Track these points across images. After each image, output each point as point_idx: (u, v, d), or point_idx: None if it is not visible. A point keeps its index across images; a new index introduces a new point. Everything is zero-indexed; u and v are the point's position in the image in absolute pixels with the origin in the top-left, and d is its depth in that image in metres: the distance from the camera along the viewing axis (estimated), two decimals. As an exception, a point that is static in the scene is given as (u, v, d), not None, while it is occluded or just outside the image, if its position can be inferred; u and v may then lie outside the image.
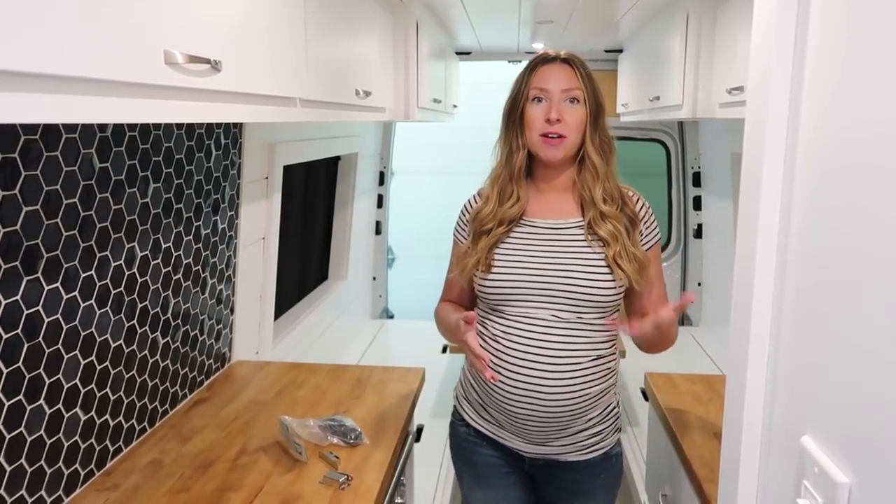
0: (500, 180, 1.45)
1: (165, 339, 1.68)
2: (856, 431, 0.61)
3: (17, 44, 0.65)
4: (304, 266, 3.07)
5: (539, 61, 1.42)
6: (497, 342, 1.40)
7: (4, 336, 1.14)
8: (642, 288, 1.42)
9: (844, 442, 0.63)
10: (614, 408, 1.49)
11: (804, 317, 0.72)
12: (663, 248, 2.70)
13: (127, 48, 0.82)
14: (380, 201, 4.14)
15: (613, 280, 1.36)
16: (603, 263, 1.37)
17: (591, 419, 1.43)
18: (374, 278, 4.16)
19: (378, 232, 4.17)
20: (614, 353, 1.45)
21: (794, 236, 0.74)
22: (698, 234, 3.83)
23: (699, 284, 3.85)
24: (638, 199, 1.46)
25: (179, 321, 1.75)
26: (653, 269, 1.44)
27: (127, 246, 1.49)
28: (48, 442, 1.27)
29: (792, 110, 0.76)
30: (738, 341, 0.84)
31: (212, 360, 1.95)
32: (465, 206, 1.54)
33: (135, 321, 1.54)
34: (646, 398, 2.05)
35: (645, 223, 1.44)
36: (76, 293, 1.33)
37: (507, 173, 1.44)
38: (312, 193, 3.06)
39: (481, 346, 1.43)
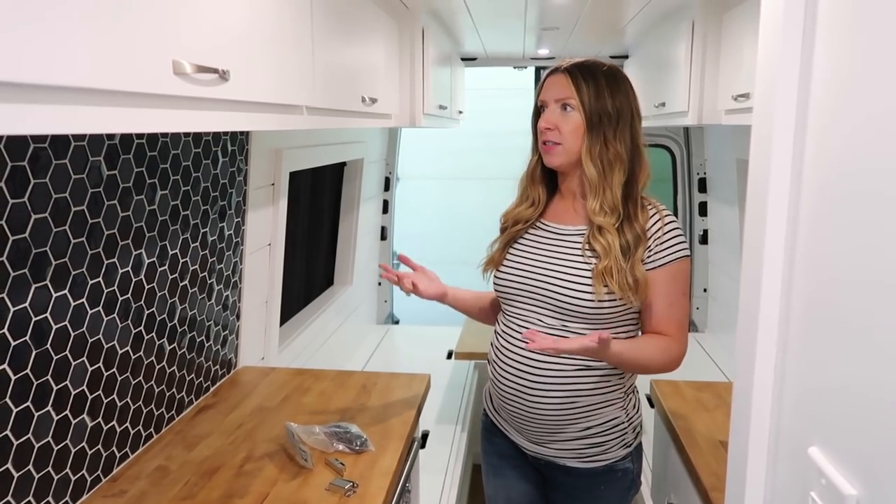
0: (523, 184, 1.54)
1: (172, 346, 1.69)
2: (864, 443, 0.61)
3: (28, 56, 0.66)
4: (309, 271, 3.07)
5: (548, 73, 1.47)
6: (498, 339, 1.49)
7: (13, 343, 1.15)
8: (637, 307, 1.40)
9: (852, 454, 0.63)
10: (621, 423, 1.46)
11: (812, 326, 0.72)
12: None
13: (136, 59, 0.82)
14: (385, 207, 4.14)
15: (593, 293, 1.35)
16: (588, 274, 1.36)
17: (588, 428, 1.43)
18: (380, 283, 4.16)
19: (383, 237, 4.17)
20: (612, 368, 1.41)
21: (802, 244, 0.74)
22: (704, 240, 3.83)
23: (705, 290, 3.84)
24: (654, 214, 1.40)
25: (186, 327, 1.75)
26: (660, 290, 1.38)
27: (134, 253, 1.50)
28: (55, 448, 1.27)
29: (799, 116, 0.75)
30: (744, 350, 0.84)
31: (218, 366, 1.96)
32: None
33: (142, 327, 1.55)
34: (651, 405, 2.05)
35: (657, 240, 1.38)
36: (84, 300, 1.33)
37: (527, 177, 1.53)
38: (318, 199, 3.07)
39: (491, 341, 1.53)
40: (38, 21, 0.67)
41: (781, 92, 0.77)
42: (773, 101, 0.78)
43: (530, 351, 1.36)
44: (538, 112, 1.47)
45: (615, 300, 1.36)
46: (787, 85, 0.76)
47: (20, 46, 0.65)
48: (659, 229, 1.39)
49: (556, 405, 1.39)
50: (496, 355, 1.48)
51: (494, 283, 1.50)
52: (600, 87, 1.39)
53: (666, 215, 1.42)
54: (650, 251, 1.38)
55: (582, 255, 1.39)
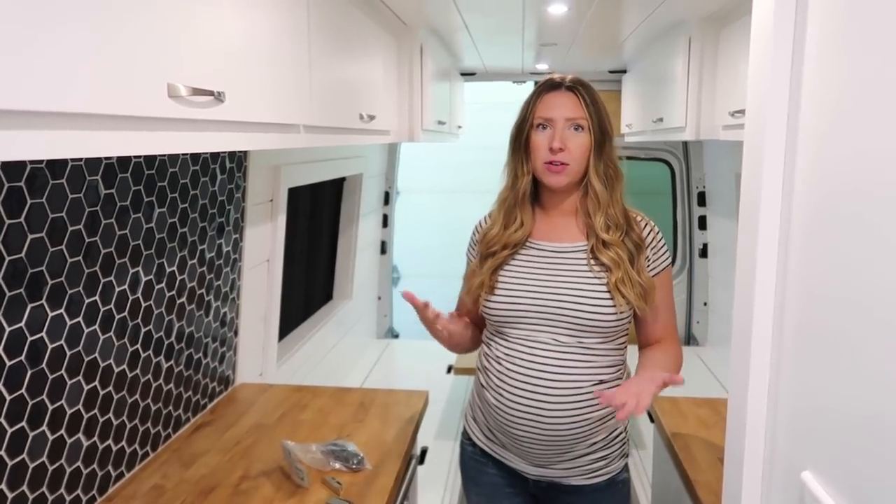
0: (507, 204, 1.47)
1: (169, 363, 1.69)
2: (856, 468, 0.61)
3: (22, 83, 0.67)
4: (308, 286, 3.08)
5: (544, 88, 1.42)
6: (499, 363, 1.43)
7: (8, 363, 1.15)
8: (646, 314, 1.42)
9: (845, 479, 0.62)
10: (620, 433, 1.48)
11: (803, 347, 0.72)
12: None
13: (131, 83, 0.83)
14: (385, 221, 4.15)
15: (614, 306, 1.36)
16: (604, 289, 1.37)
17: (594, 443, 1.43)
18: (380, 298, 4.17)
19: (383, 251, 4.18)
20: (619, 379, 1.44)
21: (793, 265, 0.74)
22: (703, 253, 3.83)
23: (705, 304, 3.83)
24: (646, 225, 1.44)
25: (183, 345, 1.75)
26: (660, 295, 1.43)
27: (131, 271, 1.50)
28: (50, 468, 1.27)
29: (790, 134, 0.76)
30: (738, 371, 0.83)
31: (215, 384, 1.95)
32: (476, 226, 1.57)
33: (138, 345, 1.55)
34: (651, 420, 2.04)
35: (652, 249, 1.42)
36: (80, 319, 1.33)
37: (513, 198, 1.46)
38: (317, 213, 3.08)
39: (485, 367, 1.48)
40: (31, 48, 0.67)
41: (772, 108, 0.77)
42: (764, 118, 0.78)
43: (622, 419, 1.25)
44: (524, 128, 1.42)
45: (631, 309, 1.38)
46: (777, 102, 0.77)
47: (14, 74, 0.65)
48: (653, 238, 1.44)
49: (571, 424, 1.38)
50: (499, 381, 1.42)
51: (489, 309, 1.43)
52: (599, 105, 1.41)
53: (653, 225, 1.46)
54: (648, 260, 1.42)
55: (590, 271, 1.38)
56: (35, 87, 0.68)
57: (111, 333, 1.44)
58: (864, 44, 0.61)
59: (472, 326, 1.61)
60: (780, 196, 0.77)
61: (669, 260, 1.46)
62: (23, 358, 1.18)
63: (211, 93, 0.98)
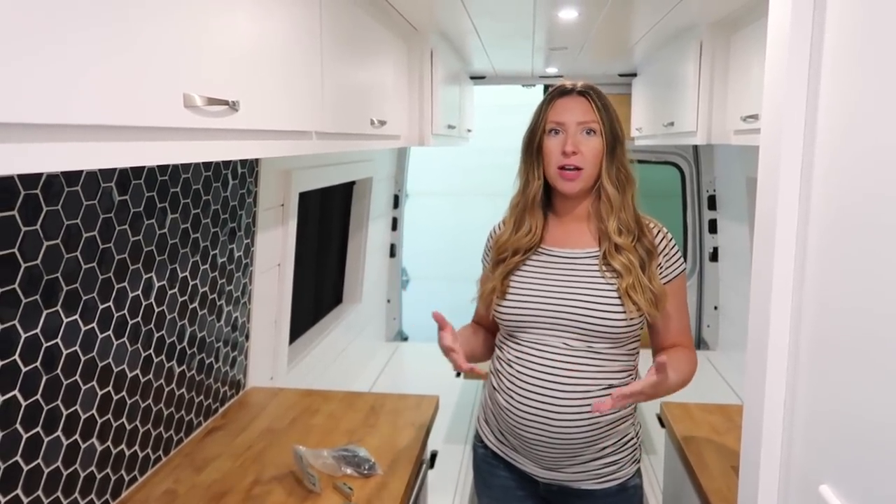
0: (518, 209, 1.48)
1: (181, 368, 1.69)
2: (877, 483, 0.60)
3: (40, 96, 0.67)
4: (318, 289, 3.08)
5: (556, 94, 1.43)
6: (511, 367, 1.44)
7: (24, 369, 1.16)
8: (657, 321, 1.42)
9: (864, 494, 0.62)
10: (632, 438, 1.48)
11: (822, 357, 0.71)
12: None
13: (148, 94, 0.83)
14: (394, 224, 4.15)
15: (624, 311, 1.36)
16: (615, 295, 1.37)
17: (604, 448, 1.42)
18: (389, 301, 4.17)
19: (392, 255, 4.18)
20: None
21: (811, 274, 0.74)
22: (714, 257, 3.81)
23: (715, 308, 3.82)
24: (658, 231, 1.44)
25: (195, 349, 1.76)
26: (672, 302, 1.42)
27: (144, 276, 1.51)
28: (65, 473, 1.28)
29: (807, 140, 0.75)
30: (754, 381, 0.83)
31: (226, 388, 1.96)
32: (490, 231, 1.58)
33: (151, 350, 1.55)
34: (662, 424, 2.03)
35: (665, 255, 1.42)
36: (94, 325, 1.34)
37: (524, 203, 1.47)
38: (327, 217, 3.09)
39: (497, 370, 1.48)
40: (48, 61, 0.68)
41: (788, 113, 0.76)
42: (781, 123, 0.77)
43: (599, 412, 1.29)
44: (536, 134, 1.43)
45: (641, 316, 1.38)
46: (794, 106, 0.76)
47: (31, 87, 0.66)
48: (665, 245, 1.44)
49: (582, 428, 1.38)
50: (510, 383, 1.43)
51: (500, 313, 1.44)
52: (611, 109, 1.42)
53: (666, 231, 1.46)
54: (661, 267, 1.42)
55: (602, 277, 1.39)
56: (50, 99, 0.69)
57: (125, 339, 1.45)
58: (883, 47, 0.61)
59: (483, 332, 1.62)
60: (796, 202, 0.77)
61: (683, 267, 1.45)
62: (38, 364, 1.19)
63: (226, 102, 0.98)
